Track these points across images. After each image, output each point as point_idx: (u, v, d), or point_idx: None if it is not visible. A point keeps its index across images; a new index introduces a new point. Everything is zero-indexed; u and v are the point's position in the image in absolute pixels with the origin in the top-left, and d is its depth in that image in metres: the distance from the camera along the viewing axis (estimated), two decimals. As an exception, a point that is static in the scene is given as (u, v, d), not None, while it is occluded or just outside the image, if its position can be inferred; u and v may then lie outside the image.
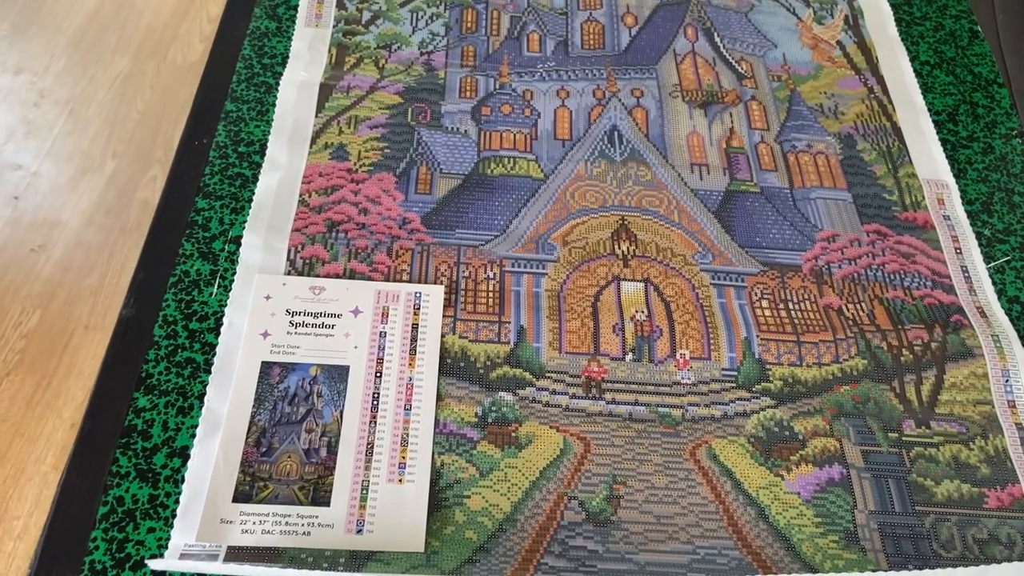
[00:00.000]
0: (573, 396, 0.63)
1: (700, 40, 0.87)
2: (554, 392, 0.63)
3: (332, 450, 0.59)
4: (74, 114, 1.67)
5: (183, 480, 0.57)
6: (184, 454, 0.58)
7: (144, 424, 0.59)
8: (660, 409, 0.63)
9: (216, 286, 0.66)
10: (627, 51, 0.86)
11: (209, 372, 0.62)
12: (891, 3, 0.93)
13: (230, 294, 0.66)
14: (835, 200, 0.76)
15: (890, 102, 0.83)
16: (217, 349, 0.63)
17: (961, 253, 0.73)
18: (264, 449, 0.59)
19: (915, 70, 0.87)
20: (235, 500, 0.56)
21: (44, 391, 1.30)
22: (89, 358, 1.34)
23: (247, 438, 0.59)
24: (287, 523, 0.56)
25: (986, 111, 0.85)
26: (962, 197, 0.77)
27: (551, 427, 0.61)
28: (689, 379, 0.64)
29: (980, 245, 0.74)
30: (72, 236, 1.50)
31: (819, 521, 0.58)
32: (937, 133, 0.81)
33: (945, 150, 0.80)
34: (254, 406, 0.60)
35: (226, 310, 0.65)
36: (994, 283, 0.71)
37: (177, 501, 0.56)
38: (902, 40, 0.89)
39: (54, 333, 1.37)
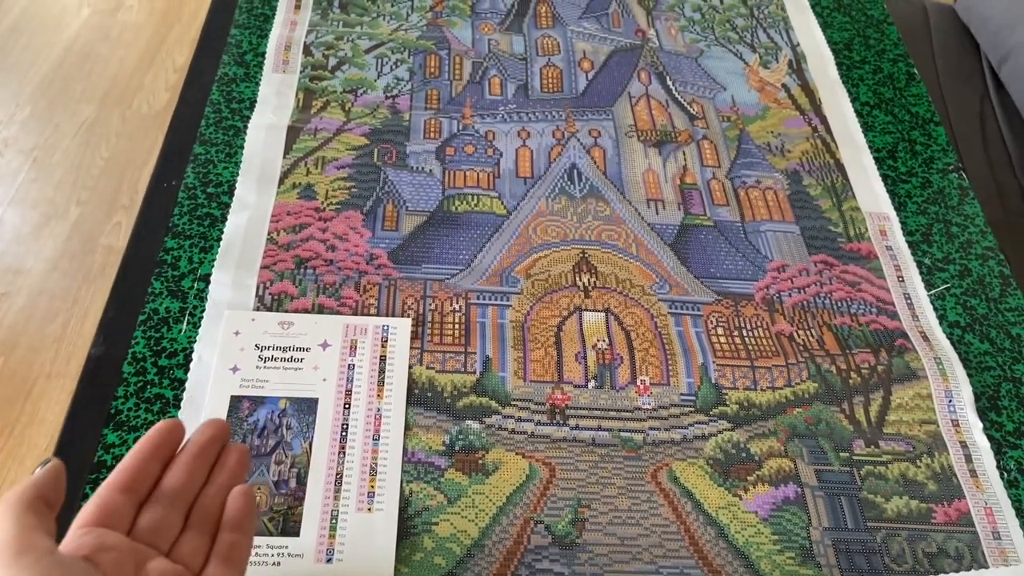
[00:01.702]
0: (538, 423, 0.65)
1: (653, 83, 0.92)
2: (519, 419, 0.65)
3: (301, 481, 0.60)
4: (38, 162, 1.67)
5: (153, 514, 0.57)
6: (154, 488, 0.59)
7: (113, 460, 0.60)
8: (622, 434, 0.65)
9: (185, 323, 0.67)
10: (584, 94, 0.90)
11: (178, 407, 0.63)
12: (832, 48, 0.99)
13: (199, 330, 0.67)
14: (784, 232, 0.79)
15: (833, 140, 0.88)
16: (186, 384, 0.64)
17: (903, 281, 0.77)
18: (234, 482, 0.59)
19: (856, 110, 0.92)
20: (205, 532, 0.57)
21: (6, 439, 1.28)
22: (52, 405, 1.33)
23: (217, 471, 0.60)
24: (256, 554, 0.56)
25: (924, 148, 0.90)
26: (903, 228, 0.81)
27: (517, 453, 0.63)
28: (649, 404, 0.66)
29: (921, 273, 0.78)
30: (36, 283, 1.49)
31: (776, 539, 0.60)
32: (878, 169, 0.86)
33: (886, 185, 0.85)
34: (224, 440, 0.61)
35: (195, 346, 0.66)
36: (935, 309, 0.75)
37: (147, 535, 0.56)
38: (843, 82, 0.95)
39: (17, 381, 1.35)
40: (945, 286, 0.77)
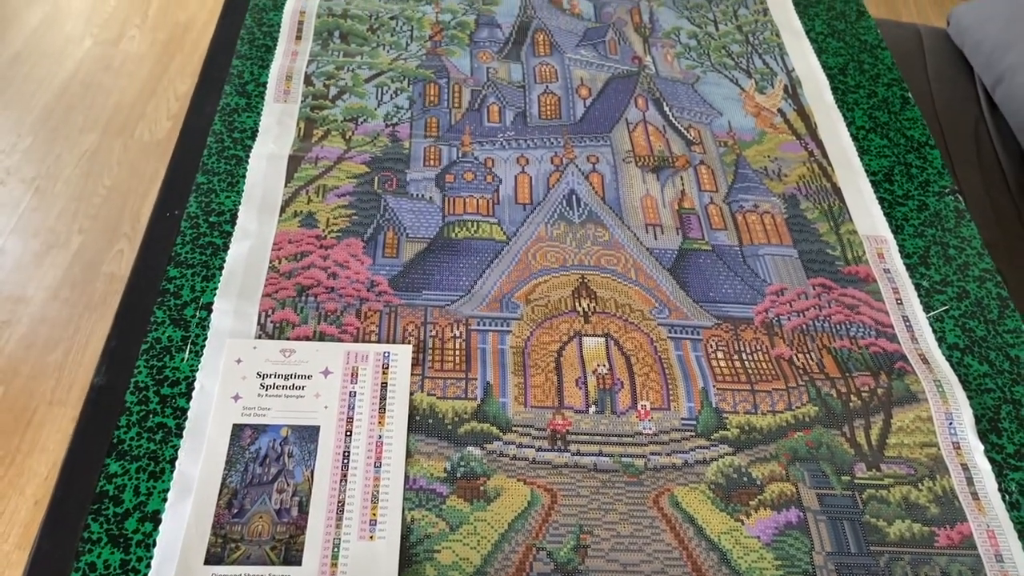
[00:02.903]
0: (539, 449, 0.65)
1: (650, 109, 0.93)
2: (520, 445, 0.65)
3: (303, 509, 0.60)
4: (40, 191, 1.68)
5: (155, 544, 0.57)
6: (156, 518, 0.59)
7: (116, 490, 0.60)
8: (623, 459, 0.65)
9: (187, 352, 0.68)
10: (582, 120, 0.91)
11: (180, 436, 0.63)
12: (827, 73, 1.00)
13: (201, 359, 0.67)
14: (782, 256, 0.80)
15: (829, 164, 0.89)
16: (188, 413, 0.64)
17: (902, 304, 0.77)
18: (236, 511, 0.59)
19: (852, 134, 0.93)
20: (207, 562, 0.57)
21: (7, 469, 1.28)
22: (53, 434, 1.32)
23: (219, 500, 0.60)
24: (259, 583, 0.56)
25: (919, 171, 0.90)
26: (900, 251, 0.82)
27: (518, 480, 0.63)
28: (650, 429, 0.66)
29: (919, 296, 0.78)
30: (37, 312, 1.49)
31: (779, 564, 0.60)
32: (874, 192, 0.87)
33: (882, 208, 0.85)
34: (225, 468, 0.61)
35: (197, 375, 0.66)
36: (934, 331, 0.75)
37: (149, 566, 0.56)
38: (838, 107, 0.96)
39: (17, 410, 1.35)
40: (944, 308, 0.78)
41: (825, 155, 0.90)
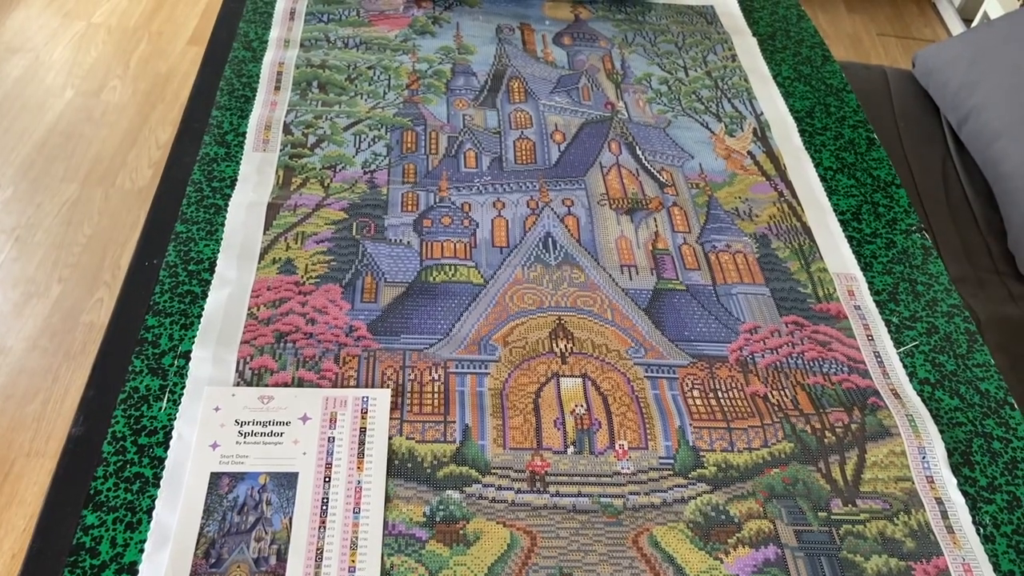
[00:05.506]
0: (518, 491, 0.65)
1: (623, 153, 0.95)
2: (500, 488, 0.65)
3: (282, 557, 0.60)
4: (20, 241, 1.68)
5: (131, 596, 0.57)
6: (133, 570, 0.58)
7: (92, 541, 0.59)
8: (602, 499, 0.65)
9: (166, 400, 0.68)
10: (557, 165, 0.93)
11: (158, 486, 0.63)
12: (794, 116, 1.03)
13: (179, 408, 0.67)
14: (755, 295, 0.81)
15: (799, 204, 0.91)
16: (166, 462, 0.64)
17: (873, 340, 0.79)
18: (213, 560, 0.59)
19: (820, 175, 0.95)
20: (184, 613, 0.56)
21: (-19, 523, 1.25)
22: (31, 486, 1.31)
23: (196, 550, 0.59)
24: (237, 633, 0.56)
25: (886, 210, 0.93)
26: (870, 288, 0.83)
27: (498, 522, 0.63)
28: (628, 469, 0.67)
29: (889, 332, 0.79)
30: (15, 363, 1.48)
31: (759, 601, 0.60)
32: (843, 231, 0.89)
33: (851, 246, 0.87)
34: (203, 517, 0.61)
35: (175, 423, 0.66)
36: (905, 366, 0.77)
37: (125, 618, 0.56)
38: (806, 148, 0.98)
39: (-6, 462, 1.33)
40: (914, 343, 0.79)
41: (794, 195, 0.92)
